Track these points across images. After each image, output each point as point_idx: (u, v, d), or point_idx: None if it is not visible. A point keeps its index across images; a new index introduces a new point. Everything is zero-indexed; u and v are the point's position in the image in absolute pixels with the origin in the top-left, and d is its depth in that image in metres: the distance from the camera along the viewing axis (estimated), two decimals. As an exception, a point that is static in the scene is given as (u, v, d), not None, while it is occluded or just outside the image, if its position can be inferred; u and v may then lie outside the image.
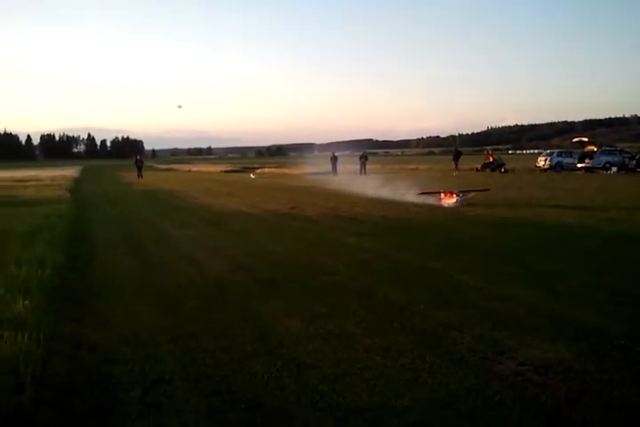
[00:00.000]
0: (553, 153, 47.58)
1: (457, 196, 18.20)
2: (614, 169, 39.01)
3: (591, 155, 41.19)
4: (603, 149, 42.27)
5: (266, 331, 6.03)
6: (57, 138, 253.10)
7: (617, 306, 6.52)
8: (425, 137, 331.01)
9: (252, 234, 13.20)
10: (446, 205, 17.99)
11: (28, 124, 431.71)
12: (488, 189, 20.94)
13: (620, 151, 42.75)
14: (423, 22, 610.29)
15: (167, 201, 24.30)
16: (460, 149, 56.08)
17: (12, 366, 4.46)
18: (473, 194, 19.06)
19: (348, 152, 65.15)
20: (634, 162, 39.40)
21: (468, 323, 6.04)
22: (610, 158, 40.51)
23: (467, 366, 4.89)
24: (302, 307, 6.86)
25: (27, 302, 5.97)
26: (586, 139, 46.66)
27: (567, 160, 44.08)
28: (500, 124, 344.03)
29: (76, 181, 43.41)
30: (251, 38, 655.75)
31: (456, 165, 48.87)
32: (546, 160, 45.49)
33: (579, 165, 41.51)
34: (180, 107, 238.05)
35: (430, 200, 18.87)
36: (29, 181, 38.53)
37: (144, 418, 4.11)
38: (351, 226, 14.03)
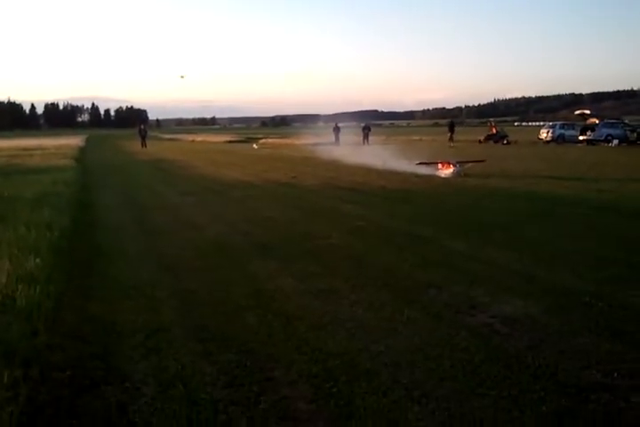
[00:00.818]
0: (555, 125, 47.71)
1: (454, 166, 18.53)
2: (616, 141, 39.16)
3: (593, 127, 41.31)
4: (604, 121, 42.37)
5: (260, 288, 6.50)
6: (61, 107, 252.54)
7: (590, 269, 6.95)
8: (431, 108, 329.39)
9: (252, 201, 13.63)
10: (443, 176, 18.34)
11: (32, 92, 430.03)
12: (484, 160, 21.25)
13: (622, 124, 42.85)
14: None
15: (170, 170, 24.70)
16: (454, 121, 55.11)
17: (27, 316, 4.93)
18: (470, 164, 19.40)
19: (354, 123, 64.90)
20: (635, 135, 39.56)
21: (447, 282, 6.49)
22: (611, 131, 40.63)
23: (441, 319, 5.35)
24: (295, 267, 7.32)
25: (38, 261, 6.43)
26: (588, 111, 46.65)
27: (569, 132, 44.20)
28: (507, 96, 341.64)
29: (81, 150, 43.71)
30: (256, 5, 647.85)
31: (451, 136, 48.31)
32: (548, 132, 45.62)
33: (580, 138, 41.64)
34: (182, 77, 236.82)
35: (429, 170, 19.17)
36: (35, 149, 38.90)
37: (145, 360, 4.58)
38: (349, 195, 14.45)
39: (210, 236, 9.57)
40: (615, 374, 4.11)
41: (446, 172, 18.54)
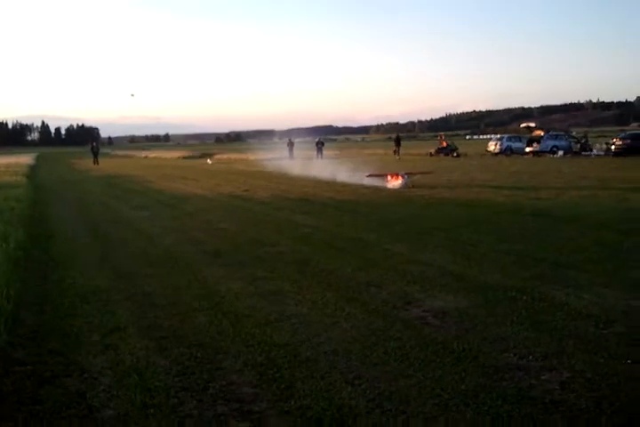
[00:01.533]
0: (503, 138, 49.17)
1: (402, 178, 19.14)
2: (561, 153, 40.53)
3: (539, 139, 42.70)
4: (550, 133, 43.86)
5: (210, 291, 6.88)
6: (10, 126, 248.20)
7: (519, 268, 7.52)
8: (385, 123, 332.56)
9: (204, 214, 13.97)
10: (392, 187, 18.92)
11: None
12: (431, 172, 21.96)
13: (567, 135, 44.46)
14: (385, 10, 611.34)
15: (123, 185, 24.82)
16: (399, 135, 55.70)
17: (-13, 317, 5.22)
18: (418, 176, 20.07)
19: (309, 138, 65.78)
20: (578, 146, 41.09)
21: (386, 282, 6.97)
22: (556, 142, 42.10)
23: (378, 314, 5.80)
24: (244, 272, 7.72)
25: (-4, 268, 6.70)
26: (533, 124, 48.28)
27: (516, 144, 45.57)
28: (459, 111, 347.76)
29: (32, 167, 43.24)
30: (208, 16, 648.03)
31: (397, 150, 49.20)
32: (496, 145, 46.95)
33: (527, 150, 42.98)
34: (132, 95, 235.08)
35: (378, 183, 19.76)
36: (-17, 168, 38.35)
37: (103, 355, 4.91)
38: (299, 206, 14.89)
39: (163, 245, 9.89)
40: (530, 357, 4.60)
41: (395, 183, 19.13)
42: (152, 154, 79.08)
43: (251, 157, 52.75)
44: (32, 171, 37.66)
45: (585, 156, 39.16)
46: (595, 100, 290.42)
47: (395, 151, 48.23)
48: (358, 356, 4.72)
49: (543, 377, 4.23)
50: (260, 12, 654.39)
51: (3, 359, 4.68)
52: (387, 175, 19.99)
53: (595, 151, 40.22)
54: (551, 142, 41.94)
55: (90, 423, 3.76)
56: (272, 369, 4.49)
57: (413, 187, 18.69)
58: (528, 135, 46.08)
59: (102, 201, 18.30)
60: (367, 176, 20.27)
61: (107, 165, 47.80)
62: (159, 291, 6.91)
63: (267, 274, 7.58)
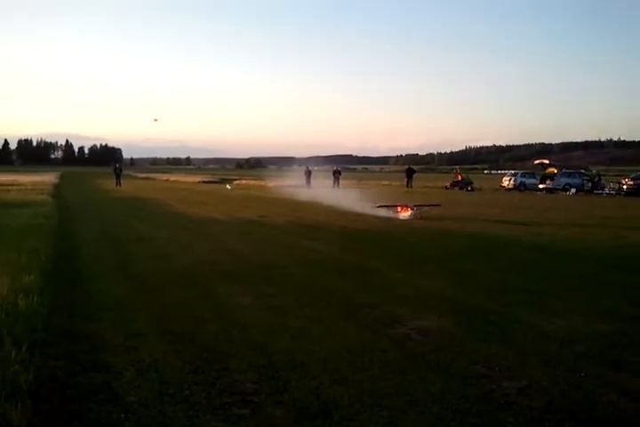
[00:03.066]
0: (517, 174, 49.93)
1: (411, 209, 19.91)
2: (573, 190, 41.22)
3: (552, 176, 43.41)
4: (563, 171, 44.58)
5: (222, 304, 7.64)
6: (34, 143, 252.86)
7: (504, 295, 8.22)
8: (404, 154, 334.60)
9: (220, 236, 14.78)
10: (402, 218, 19.66)
11: (6, 128, 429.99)
12: (439, 205, 22.68)
13: (580, 173, 45.17)
14: (407, 39, 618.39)
15: (144, 207, 25.76)
16: (412, 167, 56.33)
17: (26, 318, 6.00)
18: (426, 208, 20.81)
19: (327, 167, 66.66)
20: (590, 184, 41.74)
21: (380, 303, 7.69)
22: (569, 180, 42.82)
23: (368, 329, 6.53)
24: (254, 289, 8.48)
25: (32, 277, 7.52)
26: (547, 161, 49.06)
27: (530, 181, 46.32)
28: (479, 144, 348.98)
29: (56, 186, 44.58)
30: (233, 49, 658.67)
31: (408, 182, 49.80)
32: (510, 180, 47.75)
33: (540, 186, 43.69)
34: (155, 120, 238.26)
35: (389, 213, 20.52)
36: (10, 185, 39.63)
37: (125, 355, 5.66)
38: (310, 232, 15.68)
39: (179, 264, 10.67)
40: (496, 368, 5.30)
41: (404, 214, 19.88)
42: (173, 177, 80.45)
43: (269, 183, 53.78)
44: (57, 190, 38.88)
45: (597, 194, 39.80)
46: (615, 139, 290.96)
47: (406, 183, 49.03)
48: (346, 362, 5.44)
49: (504, 384, 4.93)
50: (287, 42, 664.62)
51: (40, 354, 5.44)
52: (397, 206, 20.75)
53: (607, 190, 40.84)
54: (564, 180, 42.67)
55: (115, 406, 4.49)
56: (271, 370, 5.21)
57: (422, 218, 19.41)
58: (542, 172, 46.79)
59: (124, 222, 19.16)
60: (377, 207, 21.03)
61: (128, 186, 48.97)
62: (175, 303, 7.67)
63: (274, 292, 8.33)
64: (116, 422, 4.18)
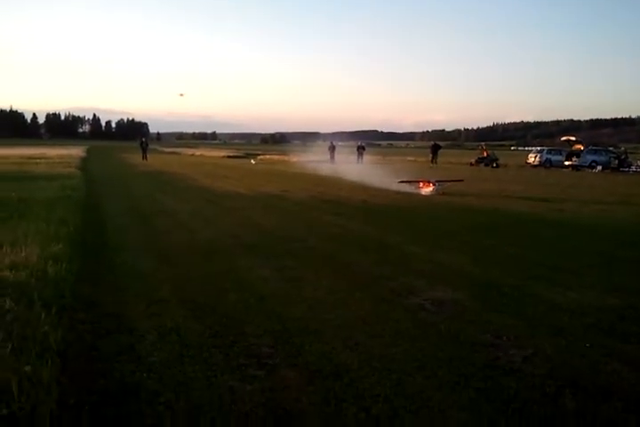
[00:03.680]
0: (543, 150, 49.48)
1: (433, 185, 19.96)
2: (599, 168, 40.86)
3: (578, 153, 43.01)
4: (589, 148, 44.11)
5: (242, 276, 7.86)
6: (62, 117, 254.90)
7: (520, 270, 8.35)
8: (430, 130, 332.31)
9: (244, 210, 15.00)
10: (424, 193, 19.73)
11: (34, 102, 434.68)
12: (462, 180, 22.69)
13: (607, 151, 44.72)
14: (433, 17, 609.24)
15: (169, 181, 26.10)
16: (438, 143, 55.96)
17: (55, 284, 6.28)
18: (449, 184, 20.83)
19: (352, 142, 66.43)
20: (616, 161, 41.30)
21: (397, 275, 7.87)
22: (596, 157, 42.42)
23: (383, 300, 6.71)
24: (274, 262, 8.69)
25: (60, 246, 7.81)
26: (573, 138, 48.47)
27: (556, 158, 45.92)
28: (507, 121, 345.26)
29: (83, 160, 45.14)
30: (259, 27, 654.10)
31: (433, 158, 49.68)
32: (536, 157, 47.41)
33: (566, 163, 43.33)
34: (181, 95, 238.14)
35: (411, 188, 20.58)
36: (39, 158, 40.24)
37: (148, 319, 5.92)
38: (332, 207, 15.84)
39: (202, 237, 10.92)
40: (504, 338, 5.47)
41: (426, 190, 19.95)
42: (198, 152, 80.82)
43: (293, 158, 53.87)
44: (84, 163, 39.37)
45: (623, 172, 39.41)
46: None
47: (431, 159, 48.93)
48: (359, 330, 5.64)
49: (510, 352, 5.10)
50: (317, 19, 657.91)
51: (68, 318, 5.72)
52: (419, 182, 20.79)
53: (633, 168, 40.39)
54: (590, 157, 42.28)
55: (138, 366, 4.73)
56: (286, 335, 5.44)
57: (444, 194, 19.47)
58: (568, 149, 46.34)
59: (150, 195, 19.48)
60: (399, 182, 21.09)
61: (155, 161, 49.44)
62: (197, 274, 7.92)
63: (294, 264, 8.54)
64: (139, 380, 4.43)
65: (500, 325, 5.84)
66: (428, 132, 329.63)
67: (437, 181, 20.37)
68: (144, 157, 51.28)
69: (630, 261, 8.98)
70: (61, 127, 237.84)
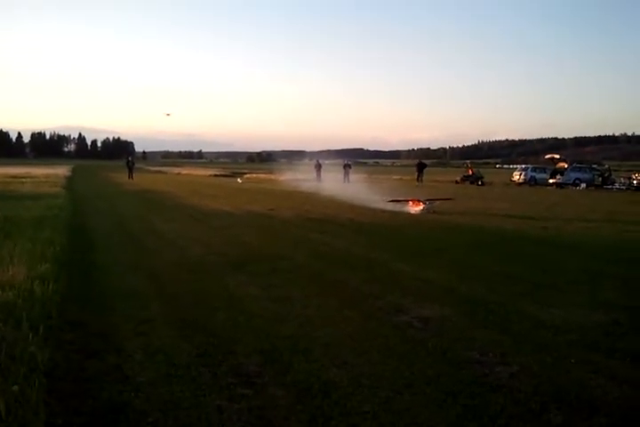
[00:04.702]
0: (528, 168, 49.95)
1: (424, 204, 19.93)
2: (583, 185, 41.26)
3: (562, 171, 43.43)
4: (573, 165, 44.57)
5: (230, 294, 7.88)
6: (48, 136, 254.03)
7: (505, 286, 8.42)
8: (416, 148, 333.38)
9: (230, 229, 15.03)
10: (413, 212, 19.69)
11: (19, 121, 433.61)
12: (452, 199, 22.78)
13: (590, 168, 45.18)
14: (420, 34, 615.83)
15: (156, 200, 26.07)
16: (424, 161, 56.48)
17: (42, 304, 6.28)
18: (438, 202, 20.82)
19: (338, 160, 66.67)
20: (600, 179, 41.74)
21: (385, 293, 7.90)
22: (580, 175, 42.87)
23: (372, 318, 6.76)
24: (261, 280, 8.71)
25: (47, 266, 7.80)
26: (557, 156, 48.95)
27: (540, 175, 46.36)
28: (492, 139, 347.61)
29: (69, 179, 45.06)
30: (245, 44, 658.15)
31: (419, 176, 49.82)
32: (520, 175, 47.84)
33: (550, 181, 43.72)
34: (168, 115, 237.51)
35: (398, 207, 20.61)
36: (24, 177, 40.14)
37: (136, 339, 5.92)
38: (319, 225, 15.89)
39: (190, 254, 10.94)
40: (490, 355, 5.52)
41: (416, 209, 19.91)
42: (184, 171, 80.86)
43: (280, 177, 53.96)
44: (70, 182, 39.30)
45: (607, 189, 39.82)
46: (629, 134, 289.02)
47: (417, 177, 49.17)
48: (348, 348, 5.67)
49: (497, 369, 5.15)
50: (300, 37, 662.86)
51: (55, 338, 5.71)
52: (409, 201, 20.76)
53: (617, 185, 40.83)
54: (574, 175, 42.73)
55: (125, 386, 4.73)
56: (275, 354, 5.46)
57: (431, 212, 19.50)
58: (552, 167, 46.77)
59: (136, 214, 19.46)
60: (389, 201, 21.11)
61: (141, 180, 49.35)
62: (185, 292, 7.93)
63: (281, 282, 8.57)
64: (127, 400, 4.44)
65: (486, 341, 5.89)
66: (413, 150, 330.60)
67: (427, 200, 20.36)
68: (130, 176, 51.22)
69: (614, 278, 9.06)
70: (47, 146, 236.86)
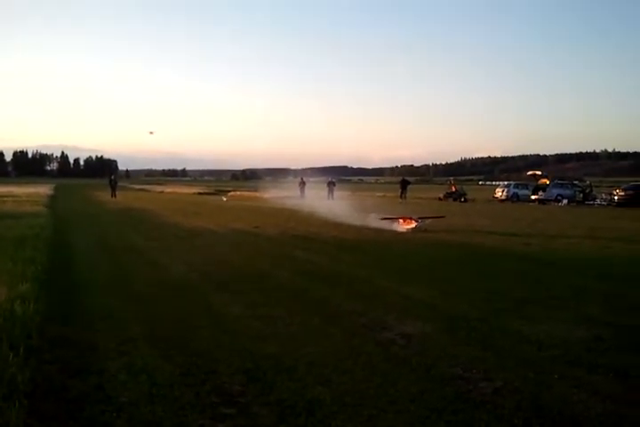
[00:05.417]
0: (510, 185, 50.33)
1: (416, 222, 19.73)
2: (565, 201, 41.62)
3: (544, 187, 43.83)
4: (555, 182, 45.01)
5: (213, 313, 7.86)
6: (30, 155, 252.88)
7: (487, 302, 8.45)
8: (399, 166, 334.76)
9: (214, 247, 14.99)
10: (405, 230, 19.44)
11: (1, 139, 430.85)
12: (443, 216, 22.64)
13: (572, 184, 45.66)
14: (401, 52, 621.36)
15: (138, 218, 25.96)
16: (407, 179, 56.85)
17: (23, 324, 6.22)
18: (430, 220, 20.66)
19: (322, 178, 66.79)
20: (581, 195, 42.16)
21: (368, 310, 7.91)
22: (561, 191, 43.27)
23: (355, 335, 6.75)
24: (245, 298, 8.68)
25: (28, 285, 7.74)
26: (539, 172, 49.51)
27: (522, 192, 46.71)
28: (474, 156, 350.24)
29: (52, 198, 44.78)
30: (228, 61, 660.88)
31: (402, 193, 50.15)
32: (503, 191, 48.18)
33: (532, 197, 44.07)
34: (151, 133, 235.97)
35: (382, 224, 20.61)
36: (6, 196, 39.79)
37: (118, 359, 5.87)
38: (303, 243, 15.91)
39: (173, 273, 10.90)
40: (473, 371, 5.53)
41: (407, 227, 19.66)
42: (168, 189, 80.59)
43: (264, 195, 53.92)
44: (52, 201, 39.06)
45: (588, 205, 40.19)
46: (610, 150, 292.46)
47: (400, 194, 49.43)
48: (332, 366, 5.66)
49: (480, 385, 5.16)
50: (281, 54, 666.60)
51: (36, 359, 5.64)
52: (400, 219, 20.59)
53: (598, 201, 41.23)
54: (556, 191, 43.12)
55: (107, 406, 4.68)
56: (258, 373, 5.43)
57: (426, 230, 19.39)
58: (534, 183, 47.19)
59: (119, 232, 19.36)
60: (381, 219, 20.92)
61: (124, 198, 49.11)
62: (168, 312, 7.89)
63: (265, 301, 8.54)
64: (109, 420, 4.39)
65: (469, 358, 5.90)
66: (397, 167, 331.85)
67: (420, 218, 20.17)
68: (113, 195, 50.96)
69: (597, 294, 9.12)
70: (29, 165, 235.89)
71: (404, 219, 20.32)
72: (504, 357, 5.95)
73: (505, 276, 10.79)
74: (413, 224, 19.64)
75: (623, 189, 39.99)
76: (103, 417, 4.43)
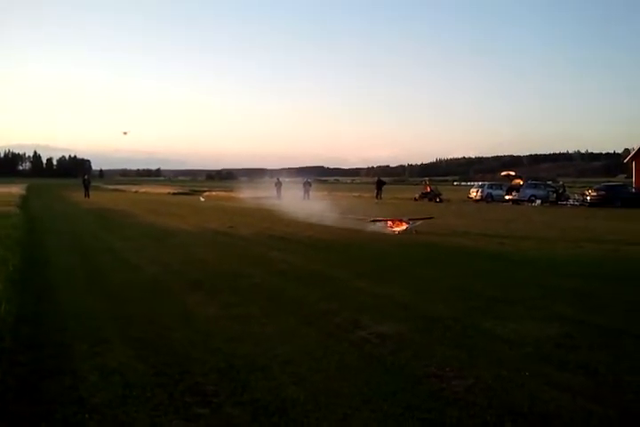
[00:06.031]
0: (484, 185, 50.70)
1: (407, 223, 19.49)
2: (538, 201, 41.97)
3: (518, 188, 44.22)
4: (528, 182, 45.44)
5: (187, 313, 7.83)
6: (2, 154, 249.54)
7: (462, 301, 8.54)
8: (375, 166, 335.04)
9: (188, 247, 14.95)
10: (396, 232, 19.14)
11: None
12: (433, 217, 22.35)
13: (545, 185, 46.13)
14: (377, 53, 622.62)
15: (112, 218, 25.78)
16: (383, 179, 57.33)
17: (-7, 325, 6.15)
18: (420, 222, 20.51)
19: (298, 178, 66.79)
20: (554, 195, 42.60)
21: (342, 310, 7.95)
22: (535, 191, 43.64)
23: (329, 335, 6.78)
24: (219, 298, 8.68)
25: (-1, 286, 7.65)
26: (513, 173, 49.92)
27: (497, 192, 47.04)
28: (449, 156, 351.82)
29: (24, 198, 44.20)
30: (203, 62, 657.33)
31: (378, 193, 50.42)
32: (477, 192, 48.48)
33: (506, 197, 44.44)
34: (125, 133, 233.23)
35: (358, 225, 20.64)
36: (-24, 196, 39.22)
37: (91, 360, 5.83)
38: (278, 243, 15.91)
39: (147, 274, 10.84)
40: (446, 369, 5.57)
41: (397, 229, 19.42)
42: (142, 189, 79.96)
43: (240, 195, 53.73)
44: (24, 201, 38.54)
45: (561, 205, 40.64)
46: (583, 151, 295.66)
47: (376, 194, 49.68)
48: (306, 365, 5.67)
49: (453, 383, 5.20)
50: (259, 55, 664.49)
51: (7, 361, 5.60)
52: (391, 221, 20.41)
53: (571, 201, 41.66)
54: (529, 191, 43.48)
55: (80, 408, 4.65)
56: (232, 373, 5.43)
57: (416, 232, 19.19)
58: (508, 183, 47.55)
59: (92, 233, 19.22)
60: (371, 221, 20.70)
61: (97, 198, 48.69)
62: (142, 312, 7.85)
63: (239, 301, 8.54)
64: (81, 421, 4.36)
65: (442, 357, 5.94)
66: (373, 167, 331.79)
67: (410, 220, 19.92)
68: (86, 195, 50.55)
69: (567, 292, 9.25)
70: (1, 165, 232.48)
71: (394, 221, 20.08)
72: (477, 355, 6.00)
73: (479, 275, 10.89)
74: (404, 226, 19.45)
75: (595, 190, 40.52)
76: (76, 419, 4.41)
